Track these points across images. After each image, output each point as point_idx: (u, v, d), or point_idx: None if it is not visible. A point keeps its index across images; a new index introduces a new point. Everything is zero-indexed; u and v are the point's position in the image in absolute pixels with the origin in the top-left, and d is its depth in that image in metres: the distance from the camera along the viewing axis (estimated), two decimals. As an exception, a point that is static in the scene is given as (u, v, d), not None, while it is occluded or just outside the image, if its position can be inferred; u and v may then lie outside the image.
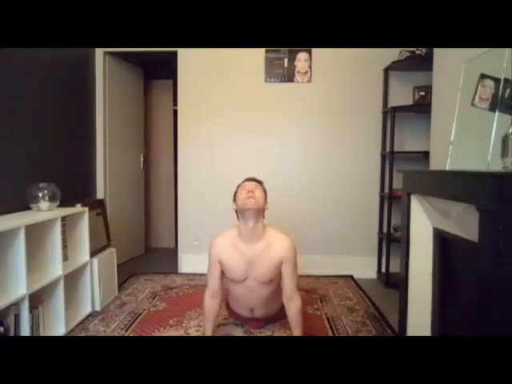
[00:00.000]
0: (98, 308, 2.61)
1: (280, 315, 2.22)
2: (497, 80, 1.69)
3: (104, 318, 2.48)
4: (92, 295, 2.57)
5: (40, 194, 2.30)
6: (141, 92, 4.29)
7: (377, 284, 3.30)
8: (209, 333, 2.05)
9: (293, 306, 1.98)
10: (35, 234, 2.17)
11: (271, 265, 1.96)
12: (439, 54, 2.42)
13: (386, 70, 3.37)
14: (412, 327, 1.94)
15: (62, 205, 2.46)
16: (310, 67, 3.45)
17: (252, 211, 1.91)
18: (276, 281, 2.04)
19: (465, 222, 1.49)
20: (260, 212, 1.96)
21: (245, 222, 1.94)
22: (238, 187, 2.06)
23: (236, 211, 2.04)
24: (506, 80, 1.62)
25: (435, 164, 2.39)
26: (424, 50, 3.01)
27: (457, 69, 2.03)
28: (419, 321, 1.90)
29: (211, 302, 2.04)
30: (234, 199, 2.03)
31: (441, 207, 1.71)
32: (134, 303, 2.75)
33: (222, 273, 2.05)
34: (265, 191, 2.05)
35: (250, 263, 1.97)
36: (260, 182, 2.06)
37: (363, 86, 3.44)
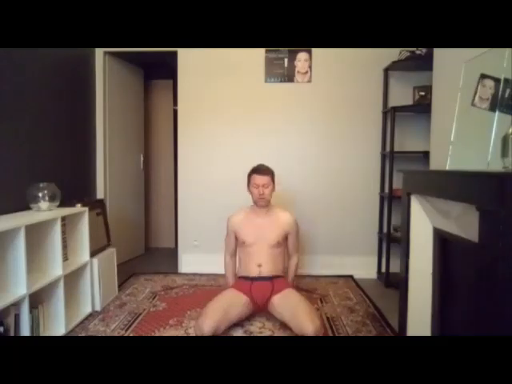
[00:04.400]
0: (98, 308, 2.61)
1: (282, 285, 2.39)
2: (497, 80, 1.69)
3: (104, 318, 2.48)
4: (92, 295, 2.57)
5: (40, 194, 2.30)
6: (141, 92, 4.29)
7: (377, 284, 3.30)
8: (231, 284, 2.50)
9: (292, 261, 2.61)
10: (35, 234, 2.17)
11: (277, 234, 2.45)
12: (439, 53, 2.42)
13: (386, 70, 3.37)
14: (412, 327, 1.94)
15: (62, 205, 2.46)
16: (310, 67, 3.45)
17: (263, 205, 2.47)
18: (281, 245, 2.48)
19: (465, 222, 1.49)
20: (269, 201, 2.49)
21: (257, 206, 2.49)
22: (249, 176, 2.49)
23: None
24: (506, 80, 1.62)
25: (435, 164, 2.39)
26: (424, 50, 3.01)
27: (457, 69, 2.03)
28: (419, 321, 1.90)
29: (230, 259, 2.59)
30: (248, 185, 2.50)
31: (441, 207, 1.71)
32: (133, 303, 2.75)
33: (236, 239, 2.53)
34: (273, 179, 2.49)
35: (260, 229, 2.42)
36: (269, 172, 2.49)
37: (363, 85, 3.44)
